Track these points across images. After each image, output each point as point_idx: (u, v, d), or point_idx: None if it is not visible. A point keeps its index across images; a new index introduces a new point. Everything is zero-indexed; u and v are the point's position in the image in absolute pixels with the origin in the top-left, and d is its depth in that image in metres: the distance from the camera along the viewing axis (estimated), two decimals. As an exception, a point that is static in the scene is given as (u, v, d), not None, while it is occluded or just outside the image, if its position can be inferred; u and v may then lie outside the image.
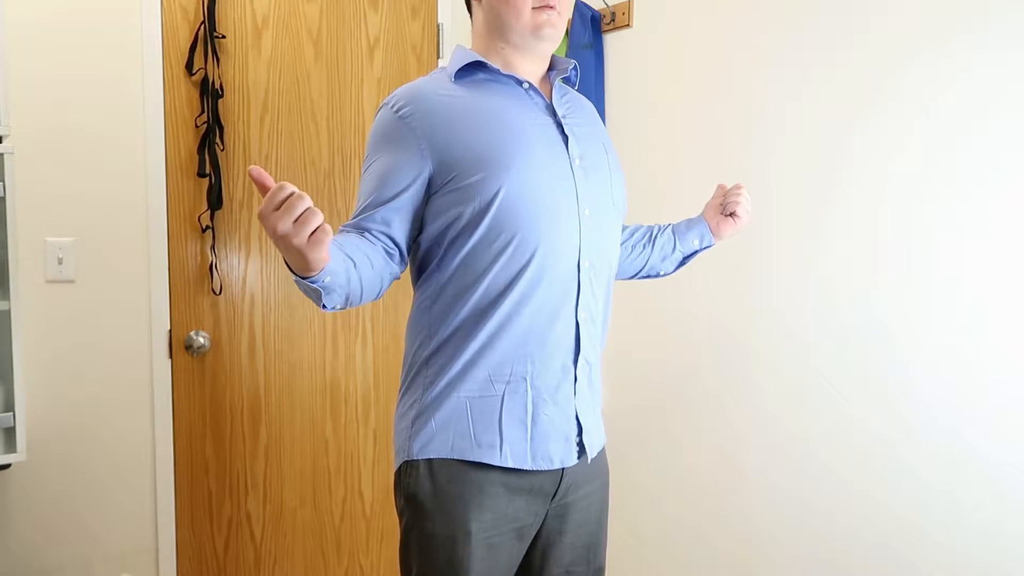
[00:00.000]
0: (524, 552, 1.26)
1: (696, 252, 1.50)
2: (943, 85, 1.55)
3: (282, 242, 0.93)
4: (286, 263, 1.01)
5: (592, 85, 2.19)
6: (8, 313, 1.64)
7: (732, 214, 1.45)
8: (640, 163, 2.15)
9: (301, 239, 0.92)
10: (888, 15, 1.63)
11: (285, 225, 0.91)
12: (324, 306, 1.08)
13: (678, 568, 2.07)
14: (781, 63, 1.82)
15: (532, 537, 1.26)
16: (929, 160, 1.57)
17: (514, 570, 1.25)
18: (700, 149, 2.00)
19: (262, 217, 0.92)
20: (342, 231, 1.20)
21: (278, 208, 0.91)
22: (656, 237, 1.49)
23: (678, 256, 1.50)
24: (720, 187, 1.49)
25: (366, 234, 1.18)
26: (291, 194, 0.91)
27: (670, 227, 1.50)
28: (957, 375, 1.54)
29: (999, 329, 1.49)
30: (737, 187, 1.45)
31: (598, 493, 1.34)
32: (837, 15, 1.71)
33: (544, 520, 1.27)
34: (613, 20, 2.19)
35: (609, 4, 2.20)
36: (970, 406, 1.52)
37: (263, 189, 0.93)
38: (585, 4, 2.21)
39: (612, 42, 2.22)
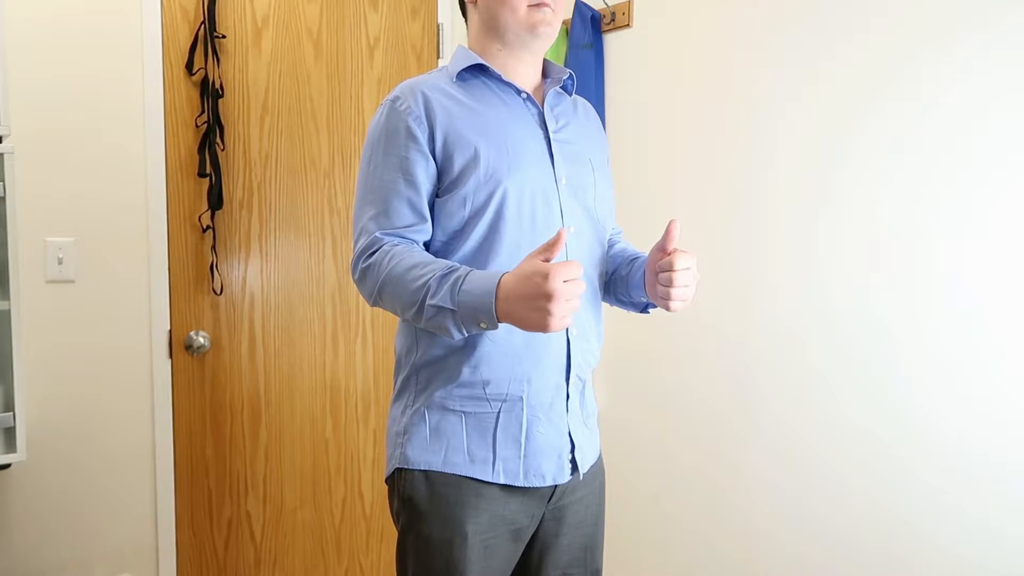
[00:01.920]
0: (520, 553, 1.26)
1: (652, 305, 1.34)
2: (943, 85, 1.55)
3: (543, 301, 0.99)
4: (492, 310, 1.04)
5: (592, 85, 2.19)
6: (8, 313, 1.64)
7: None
8: (639, 163, 2.14)
9: (562, 313, 1.00)
10: (888, 15, 1.63)
11: (564, 295, 0.99)
12: (455, 336, 1.10)
13: (676, 569, 2.07)
14: (781, 63, 1.82)
15: (528, 539, 1.27)
16: (929, 160, 1.57)
17: (510, 572, 1.25)
18: (700, 149, 2.00)
19: (551, 277, 0.98)
20: (409, 243, 1.19)
21: (567, 281, 0.99)
22: (612, 278, 1.37)
23: (637, 301, 1.35)
24: (667, 232, 1.19)
25: (417, 246, 1.20)
26: (579, 277, 1.00)
27: (631, 266, 1.34)
28: (957, 375, 1.54)
29: (999, 330, 1.49)
30: (670, 266, 1.17)
31: (595, 495, 1.34)
32: (837, 15, 1.71)
33: (541, 522, 1.27)
34: (613, 20, 2.19)
35: (609, 4, 2.20)
36: (970, 407, 1.52)
37: (552, 249, 1.01)
38: (585, 4, 2.21)
39: (612, 42, 2.22)
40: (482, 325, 1.06)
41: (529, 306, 1.00)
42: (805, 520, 1.79)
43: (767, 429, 1.86)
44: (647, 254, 1.28)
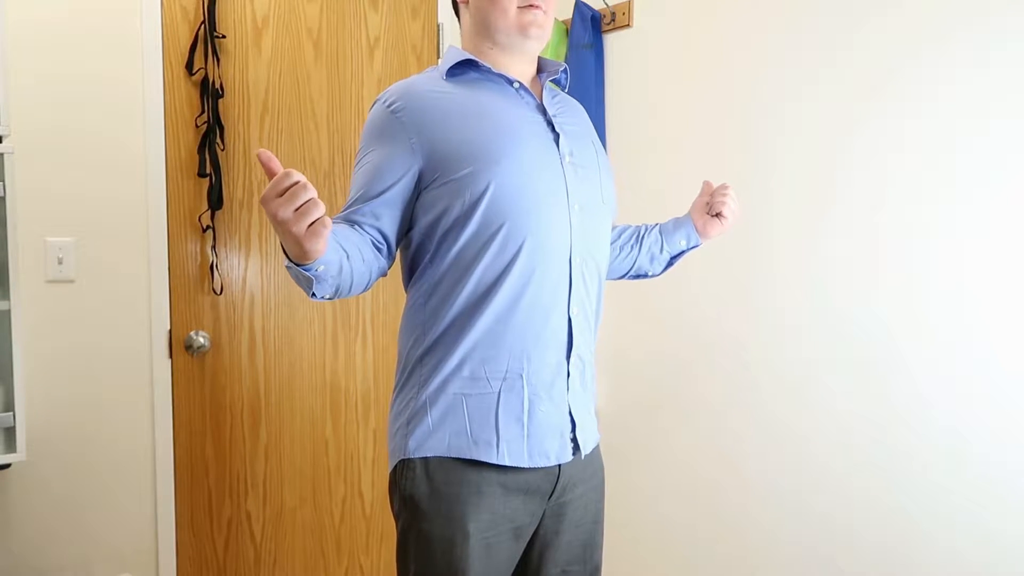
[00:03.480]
0: (521, 552, 1.26)
1: (683, 252, 1.50)
2: (943, 85, 1.55)
3: (281, 227, 0.95)
4: (283, 248, 1.02)
5: (592, 85, 2.19)
6: (8, 313, 1.64)
7: (718, 214, 1.44)
8: (640, 163, 2.15)
9: (300, 228, 0.94)
10: (888, 15, 1.63)
11: (286, 212, 0.93)
12: (314, 295, 1.09)
13: (675, 567, 2.07)
14: (781, 63, 1.82)
15: (529, 537, 1.27)
16: (929, 160, 1.57)
17: (511, 570, 1.25)
18: (700, 149, 2.00)
19: (264, 201, 0.93)
20: (333, 222, 1.19)
21: (281, 195, 0.92)
22: (643, 237, 1.49)
23: (665, 256, 1.50)
24: (706, 185, 1.48)
25: (355, 226, 1.19)
26: (296, 183, 0.92)
27: (657, 227, 1.50)
28: (957, 374, 1.54)
29: (999, 329, 1.49)
30: (723, 187, 1.44)
31: (594, 492, 1.34)
32: (837, 15, 1.71)
33: (541, 520, 1.27)
34: (613, 20, 2.19)
35: (609, 4, 2.20)
36: (970, 406, 1.52)
37: (270, 173, 0.94)
38: (585, 4, 2.21)
39: (612, 42, 2.22)
40: (307, 274, 1.04)
41: (281, 236, 0.97)
42: (804, 518, 1.79)
43: (767, 427, 1.86)
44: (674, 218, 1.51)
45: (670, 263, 1.52)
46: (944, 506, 1.56)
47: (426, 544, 1.20)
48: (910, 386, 1.61)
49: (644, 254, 1.49)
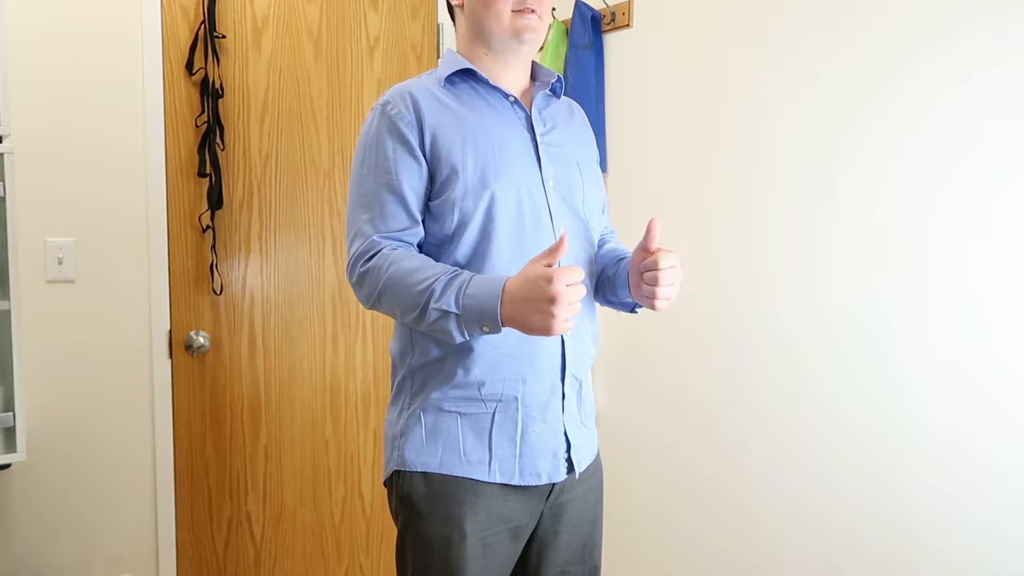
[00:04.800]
0: (519, 552, 1.27)
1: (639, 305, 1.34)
2: (943, 85, 1.55)
3: (548, 304, 1.01)
4: (496, 314, 1.06)
5: (592, 85, 2.19)
6: (8, 313, 1.64)
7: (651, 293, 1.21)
8: (640, 163, 2.15)
9: (563, 316, 1.02)
10: (888, 15, 1.63)
11: (567, 298, 1.01)
12: (457, 339, 1.12)
13: (675, 567, 2.07)
14: (781, 63, 1.82)
15: (527, 537, 1.27)
16: (929, 160, 1.57)
17: (510, 570, 1.26)
18: (700, 149, 2.00)
19: (554, 280, 1.01)
20: (406, 246, 1.20)
21: (570, 284, 1.02)
22: (606, 276, 1.36)
23: (626, 302, 1.36)
24: (649, 232, 1.21)
25: (413, 248, 1.21)
26: (581, 281, 1.03)
27: (616, 270, 1.34)
28: (957, 375, 1.54)
29: (999, 329, 1.49)
30: (655, 266, 1.19)
31: (593, 492, 1.34)
32: (837, 15, 1.71)
33: (539, 520, 1.27)
34: (613, 20, 2.19)
35: (609, 4, 2.20)
36: (970, 406, 1.52)
37: (557, 250, 1.03)
38: (585, 4, 2.21)
39: (612, 42, 2.22)
40: (485, 329, 1.08)
41: (533, 309, 1.02)
42: (805, 519, 1.79)
43: (766, 428, 1.86)
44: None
45: (633, 310, 1.38)
46: (944, 507, 1.55)
47: (424, 544, 1.20)
48: (910, 386, 1.60)
49: (600, 296, 1.39)
